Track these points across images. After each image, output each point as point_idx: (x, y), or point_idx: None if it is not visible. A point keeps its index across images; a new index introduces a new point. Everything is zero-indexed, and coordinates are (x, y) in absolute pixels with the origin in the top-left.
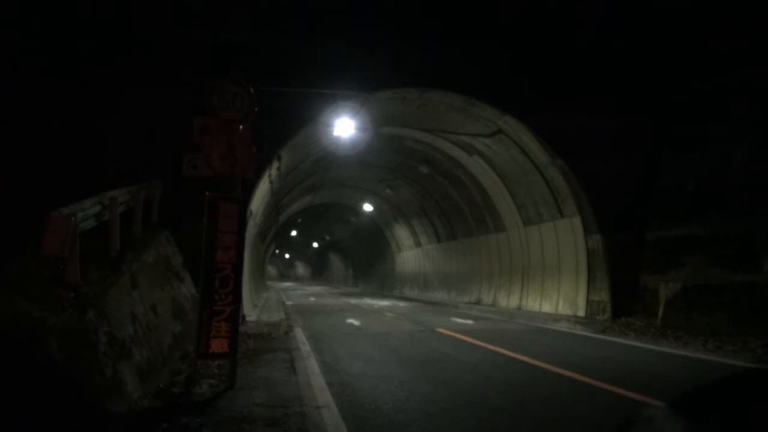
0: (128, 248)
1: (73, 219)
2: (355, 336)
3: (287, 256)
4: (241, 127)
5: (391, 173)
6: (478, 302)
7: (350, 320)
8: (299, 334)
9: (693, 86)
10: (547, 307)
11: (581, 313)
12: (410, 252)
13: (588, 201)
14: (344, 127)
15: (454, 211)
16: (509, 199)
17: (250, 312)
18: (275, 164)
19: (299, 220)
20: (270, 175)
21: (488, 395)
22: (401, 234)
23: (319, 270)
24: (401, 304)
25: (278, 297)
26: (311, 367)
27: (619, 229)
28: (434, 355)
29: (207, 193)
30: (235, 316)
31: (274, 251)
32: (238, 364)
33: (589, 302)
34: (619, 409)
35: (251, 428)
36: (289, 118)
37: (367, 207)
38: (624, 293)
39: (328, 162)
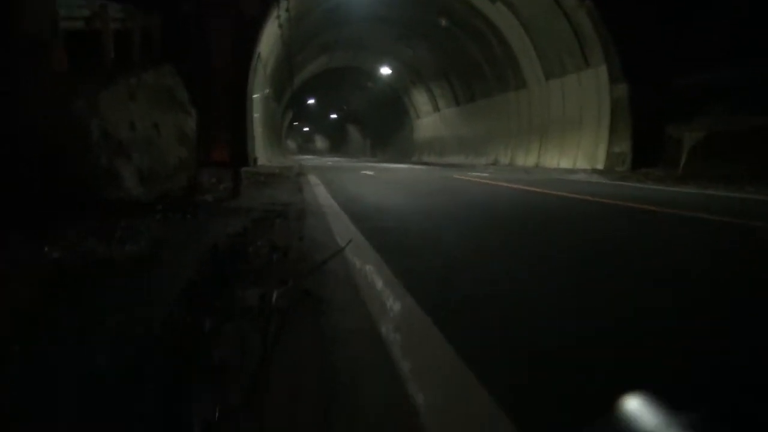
0: (125, 67)
1: None
2: (367, 180)
3: (306, 129)
4: None
5: (410, 30)
6: (495, 163)
7: (365, 172)
8: (312, 178)
9: None
10: (564, 163)
11: (600, 166)
12: (428, 118)
13: (615, 48)
14: None
15: (474, 69)
16: (532, 52)
17: (261, 161)
18: (283, 3)
19: (316, 85)
20: (279, 17)
21: (496, 208)
22: (419, 99)
23: (337, 143)
24: (418, 166)
25: (294, 161)
26: (318, 191)
27: (644, 78)
28: (449, 186)
29: None
30: (232, 142)
31: (291, 123)
32: (245, 188)
33: (609, 154)
34: (624, 211)
35: (248, 214)
36: None
37: (385, 70)
38: (646, 144)
39: (341, 15)
